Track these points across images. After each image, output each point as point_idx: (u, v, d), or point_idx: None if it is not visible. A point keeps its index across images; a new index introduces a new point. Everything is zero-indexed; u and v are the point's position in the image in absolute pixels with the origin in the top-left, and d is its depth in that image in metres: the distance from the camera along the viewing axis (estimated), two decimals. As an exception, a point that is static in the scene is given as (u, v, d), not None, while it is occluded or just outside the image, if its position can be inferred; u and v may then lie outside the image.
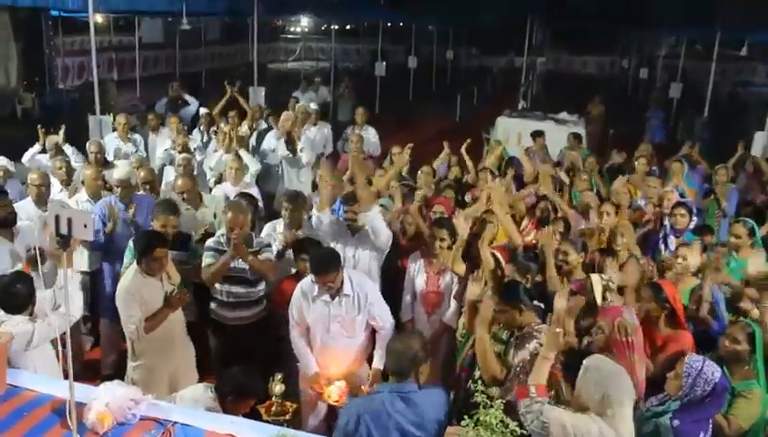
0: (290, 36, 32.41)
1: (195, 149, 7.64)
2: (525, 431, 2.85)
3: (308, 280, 4.23)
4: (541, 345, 3.25)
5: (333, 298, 4.12)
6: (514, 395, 3.10)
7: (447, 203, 5.87)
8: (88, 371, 5.26)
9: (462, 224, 4.98)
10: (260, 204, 6.24)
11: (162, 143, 7.84)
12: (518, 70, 18.91)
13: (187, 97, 10.05)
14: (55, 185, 5.95)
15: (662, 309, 3.92)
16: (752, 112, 13.81)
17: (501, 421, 2.72)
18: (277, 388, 3.41)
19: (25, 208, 5.29)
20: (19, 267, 4.34)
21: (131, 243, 4.77)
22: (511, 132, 9.11)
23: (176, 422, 3.02)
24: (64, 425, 2.91)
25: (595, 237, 5.37)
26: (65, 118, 8.60)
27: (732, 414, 3.43)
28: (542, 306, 3.87)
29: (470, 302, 4.09)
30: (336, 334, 4.16)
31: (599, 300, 4.01)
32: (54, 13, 14.53)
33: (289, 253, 5.07)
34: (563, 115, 12.63)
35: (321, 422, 4.38)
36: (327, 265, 4.02)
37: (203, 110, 9.21)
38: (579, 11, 18.51)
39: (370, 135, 9.10)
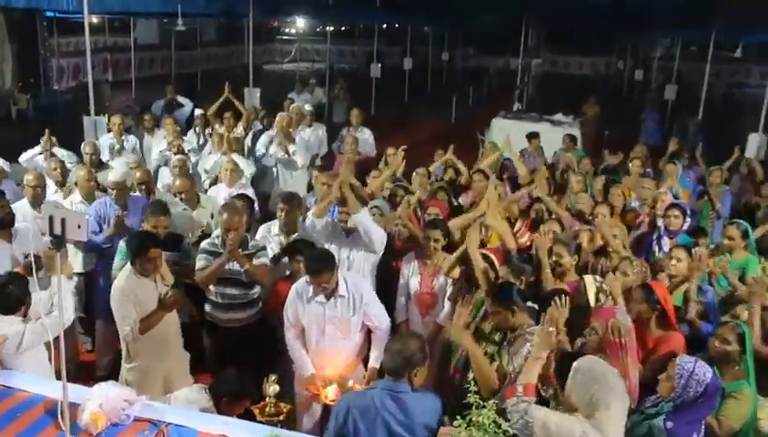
0: (286, 38, 32.47)
1: (189, 151, 7.63)
2: (519, 432, 2.85)
3: (302, 282, 4.24)
4: (535, 347, 3.24)
5: (328, 299, 4.13)
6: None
7: (441, 205, 5.87)
8: (83, 373, 5.26)
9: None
10: (255, 206, 6.24)
11: (157, 144, 7.85)
12: (513, 72, 18.94)
13: (181, 99, 10.05)
14: (51, 186, 5.95)
15: (653, 310, 3.90)
16: (747, 113, 13.83)
17: (494, 421, 2.72)
18: (272, 389, 3.42)
19: (21, 209, 5.27)
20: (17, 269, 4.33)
21: (122, 244, 4.77)
22: (507, 134, 9.10)
23: (169, 423, 3.03)
24: (57, 426, 2.91)
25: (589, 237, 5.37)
26: (60, 119, 8.58)
27: (723, 415, 3.42)
28: (536, 307, 3.85)
29: (457, 327, 3.70)
30: (331, 336, 4.16)
31: (592, 302, 4.03)
32: (49, 14, 14.53)
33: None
34: (558, 116, 12.66)
35: (316, 424, 4.38)
36: (321, 265, 4.03)
37: (198, 112, 9.21)
38: (574, 12, 18.51)
39: (366, 136, 9.11)
